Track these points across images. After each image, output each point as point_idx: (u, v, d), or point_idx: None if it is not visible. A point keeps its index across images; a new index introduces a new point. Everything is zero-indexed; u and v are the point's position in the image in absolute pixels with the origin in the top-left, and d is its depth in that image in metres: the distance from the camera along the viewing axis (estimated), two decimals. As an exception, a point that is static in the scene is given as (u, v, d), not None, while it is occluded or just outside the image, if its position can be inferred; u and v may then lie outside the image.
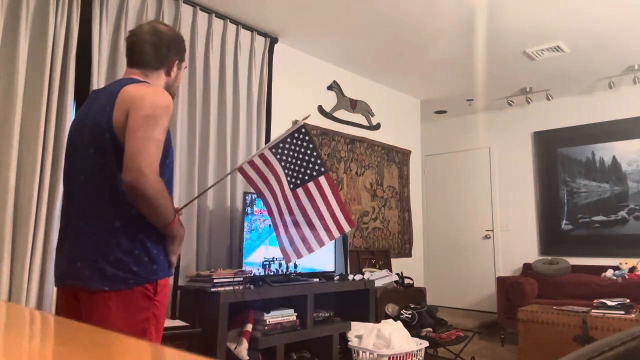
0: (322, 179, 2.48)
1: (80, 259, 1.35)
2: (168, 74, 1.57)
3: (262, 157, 2.51)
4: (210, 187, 2.50)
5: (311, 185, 2.47)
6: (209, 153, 3.30)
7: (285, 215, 2.46)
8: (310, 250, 2.46)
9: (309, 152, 2.50)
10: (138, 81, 1.46)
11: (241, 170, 2.52)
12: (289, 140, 2.51)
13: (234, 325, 2.82)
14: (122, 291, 1.32)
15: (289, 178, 2.49)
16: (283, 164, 2.51)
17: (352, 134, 4.72)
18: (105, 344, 0.52)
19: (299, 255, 2.46)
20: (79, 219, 1.39)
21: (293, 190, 2.48)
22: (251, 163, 2.51)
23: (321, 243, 2.48)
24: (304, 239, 2.46)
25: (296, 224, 2.47)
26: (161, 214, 1.37)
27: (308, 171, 2.48)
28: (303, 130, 2.51)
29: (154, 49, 1.52)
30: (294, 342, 3.07)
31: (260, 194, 2.51)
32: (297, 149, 2.51)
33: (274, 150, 2.50)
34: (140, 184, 1.29)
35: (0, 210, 2.35)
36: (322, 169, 2.48)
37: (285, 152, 2.51)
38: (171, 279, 2.84)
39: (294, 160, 2.51)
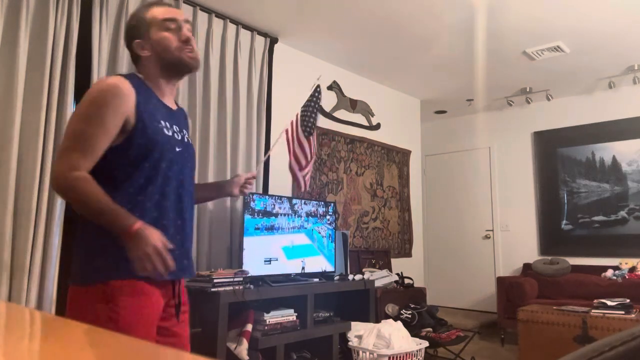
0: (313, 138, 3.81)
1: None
2: (139, 57, 1.45)
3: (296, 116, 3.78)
4: (266, 157, 2.58)
5: (311, 139, 3.77)
6: (209, 153, 3.30)
7: (298, 155, 3.77)
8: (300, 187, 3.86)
9: (317, 108, 3.77)
10: (116, 75, 1.42)
11: (286, 132, 3.70)
12: (310, 96, 3.73)
13: (234, 325, 2.82)
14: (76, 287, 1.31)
15: (303, 127, 3.63)
16: (302, 112, 3.68)
17: (352, 134, 4.72)
18: (105, 344, 0.52)
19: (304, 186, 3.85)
20: None
21: (307, 137, 3.73)
22: (291, 123, 3.71)
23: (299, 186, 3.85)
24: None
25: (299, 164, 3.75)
26: (94, 215, 1.24)
27: (311, 124, 3.71)
28: (319, 89, 3.73)
29: (129, 49, 1.48)
30: (294, 342, 3.07)
31: (290, 150, 3.79)
32: (313, 104, 3.71)
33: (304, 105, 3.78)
34: (53, 187, 1.27)
35: (0, 210, 2.35)
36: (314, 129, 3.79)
37: (307, 104, 3.74)
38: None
39: (309, 113, 3.69)
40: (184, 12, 3.26)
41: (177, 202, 1.42)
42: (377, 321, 3.53)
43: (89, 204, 1.24)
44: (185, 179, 1.45)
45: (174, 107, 1.52)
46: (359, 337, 3.28)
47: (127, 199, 1.30)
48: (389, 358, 3.08)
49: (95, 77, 2.73)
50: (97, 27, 2.78)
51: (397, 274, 4.39)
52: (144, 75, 1.44)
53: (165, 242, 1.25)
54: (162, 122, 1.39)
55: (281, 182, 3.93)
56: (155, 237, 1.23)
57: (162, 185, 1.36)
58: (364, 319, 3.58)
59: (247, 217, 3.10)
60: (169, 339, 1.40)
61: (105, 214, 1.23)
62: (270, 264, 3.20)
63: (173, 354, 0.47)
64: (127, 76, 1.38)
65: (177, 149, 1.41)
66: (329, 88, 4.53)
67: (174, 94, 1.55)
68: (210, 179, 3.30)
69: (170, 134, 1.41)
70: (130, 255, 1.22)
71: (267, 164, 3.76)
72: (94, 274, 1.28)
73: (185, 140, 1.49)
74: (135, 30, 1.44)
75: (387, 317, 3.83)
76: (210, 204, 3.27)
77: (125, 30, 1.48)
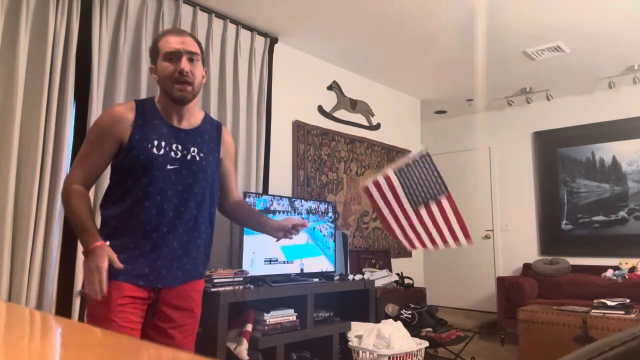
0: (443, 199, 2.59)
1: None
2: (157, 82, 1.58)
3: (387, 178, 2.56)
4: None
5: (432, 204, 2.57)
6: (209, 153, 3.30)
7: (405, 228, 2.55)
8: (423, 244, 2.55)
9: (433, 175, 2.58)
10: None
11: (366, 190, 2.59)
12: (411, 163, 2.58)
13: (234, 325, 2.81)
14: None
15: (409, 197, 2.57)
16: (404, 184, 2.59)
17: (352, 134, 4.72)
18: (105, 344, 0.52)
19: (413, 244, 2.55)
20: None
21: (415, 208, 2.56)
22: (375, 183, 2.57)
23: (434, 244, 2.57)
24: (419, 236, 2.57)
25: (415, 231, 2.56)
26: (73, 226, 1.49)
27: (430, 191, 2.56)
28: (428, 157, 2.59)
29: None
30: (294, 342, 3.07)
31: (377, 209, 2.56)
32: (419, 172, 2.59)
33: (397, 171, 2.57)
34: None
35: (0, 210, 2.35)
36: (444, 189, 2.57)
37: (409, 174, 2.59)
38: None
39: (416, 182, 2.60)
40: (184, 12, 3.27)
41: (171, 218, 1.53)
42: (377, 321, 3.53)
43: (69, 216, 1.49)
44: (181, 195, 1.54)
45: (190, 126, 1.61)
46: (359, 337, 3.27)
47: (115, 214, 1.51)
48: (389, 358, 3.08)
49: (95, 77, 2.73)
50: (97, 27, 2.78)
51: (397, 274, 4.39)
52: (158, 96, 1.60)
53: (116, 263, 1.42)
54: (156, 142, 1.52)
55: (281, 182, 3.93)
56: (101, 260, 1.40)
57: (143, 200, 1.49)
58: (364, 319, 3.58)
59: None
60: (162, 339, 1.55)
61: (77, 227, 1.46)
62: (270, 264, 3.20)
63: (173, 354, 0.47)
64: (139, 101, 1.59)
65: (169, 167, 1.52)
66: (329, 88, 4.53)
67: (192, 114, 1.64)
68: (210, 179, 3.29)
69: (160, 152, 1.52)
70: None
71: (267, 164, 3.75)
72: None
73: (189, 157, 1.57)
74: (151, 54, 1.60)
75: (387, 317, 3.83)
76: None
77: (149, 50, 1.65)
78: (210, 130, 1.67)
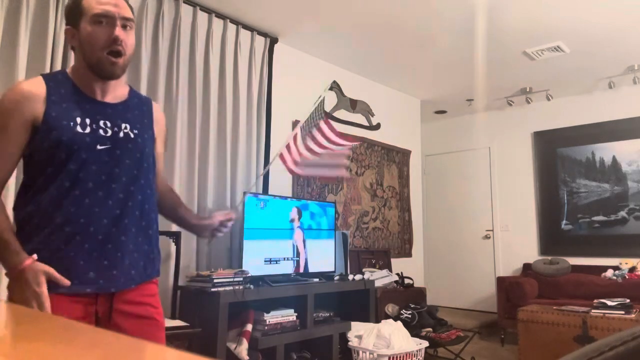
0: (322, 124, 2.54)
1: None
2: (73, 48, 1.32)
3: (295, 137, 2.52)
4: (265, 171, 2.45)
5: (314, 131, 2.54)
6: (208, 153, 3.30)
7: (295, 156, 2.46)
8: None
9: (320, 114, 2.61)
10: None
11: (281, 156, 2.50)
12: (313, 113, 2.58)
13: (234, 325, 2.82)
14: None
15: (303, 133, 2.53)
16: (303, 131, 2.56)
17: (352, 134, 4.72)
18: (105, 344, 0.52)
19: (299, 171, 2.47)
20: None
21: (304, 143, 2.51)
22: (287, 146, 2.51)
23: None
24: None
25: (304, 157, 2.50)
26: None
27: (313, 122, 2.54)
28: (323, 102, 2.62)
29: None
30: (294, 342, 3.07)
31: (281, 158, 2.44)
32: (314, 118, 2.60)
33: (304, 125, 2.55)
34: None
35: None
36: (322, 115, 2.57)
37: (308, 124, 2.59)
38: (166, 282, 2.84)
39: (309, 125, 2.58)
40: (184, 12, 3.27)
41: (111, 208, 1.27)
42: (377, 321, 3.53)
43: None
44: (119, 179, 1.29)
45: (116, 100, 1.36)
46: (359, 337, 3.28)
47: (35, 210, 1.22)
48: (389, 358, 3.08)
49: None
50: (97, 27, 2.77)
51: (397, 274, 4.39)
52: (74, 66, 1.33)
53: (61, 280, 1.18)
54: (78, 119, 1.25)
55: (281, 182, 3.93)
56: (37, 283, 1.14)
57: (71, 190, 1.22)
58: (364, 319, 3.58)
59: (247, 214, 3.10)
60: None
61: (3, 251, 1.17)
62: (270, 264, 3.20)
63: (173, 354, 0.47)
64: (47, 75, 1.31)
65: (99, 147, 1.26)
66: (329, 88, 4.53)
67: (117, 87, 1.38)
68: (210, 179, 3.30)
69: (86, 131, 1.26)
70: (14, 295, 1.17)
71: (267, 164, 3.75)
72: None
73: (121, 135, 1.32)
74: (70, 14, 1.29)
75: (387, 317, 3.83)
76: (210, 204, 3.28)
77: (64, 8, 1.36)
78: (140, 105, 1.43)
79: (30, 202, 1.22)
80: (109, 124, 1.31)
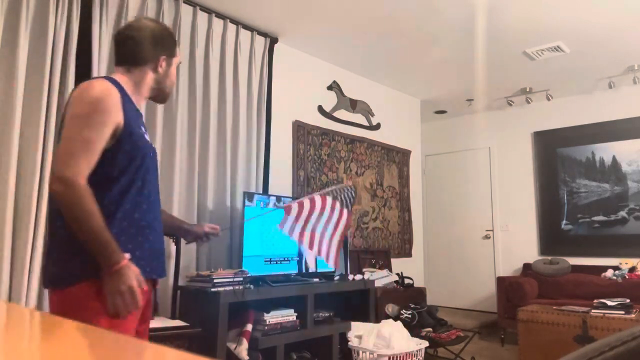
0: (345, 213, 2.36)
1: None
2: (155, 70, 1.48)
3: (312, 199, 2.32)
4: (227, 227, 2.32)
5: (345, 213, 2.37)
6: (208, 153, 3.30)
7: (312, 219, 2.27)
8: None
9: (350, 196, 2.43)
10: (99, 78, 1.40)
11: (286, 207, 2.31)
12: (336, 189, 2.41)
13: (234, 325, 2.81)
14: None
15: (333, 195, 2.36)
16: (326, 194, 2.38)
17: (352, 134, 4.72)
18: (105, 344, 0.52)
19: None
20: None
21: (341, 208, 2.35)
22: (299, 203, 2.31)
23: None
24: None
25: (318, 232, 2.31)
26: (83, 233, 1.22)
27: (345, 201, 2.37)
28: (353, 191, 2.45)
29: (135, 44, 1.45)
30: (294, 342, 3.07)
31: (287, 210, 2.23)
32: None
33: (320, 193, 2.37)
34: (54, 189, 1.23)
35: (0, 210, 2.35)
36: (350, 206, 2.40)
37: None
38: (166, 282, 2.85)
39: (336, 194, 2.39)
40: (184, 12, 3.27)
41: (158, 205, 1.48)
42: (377, 321, 3.53)
43: (82, 223, 1.22)
44: (156, 183, 1.50)
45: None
46: (359, 337, 3.27)
47: (118, 207, 1.32)
48: (389, 358, 3.08)
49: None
50: (97, 27, 2.78)
51: (397, 274, 4.39)
52: (133, 79, 1.46)
53: (142, 281, 1.29)
54: (142, 127, 1.45)
55: (281, 182, 3.93)
56: (133, 276, 1.26)
57: (143, 188, 1.39)
58: (364, 319, 3.58)
59: (247, 210, 3.10)
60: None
61: (94, 240, 1.22)
62: (270, 264, 3.20)
63: (173, 354, 0.47)
64: (110, 79, 1.39)
65: (151, 154, 1.45)
66: (329, 88, 4.53)
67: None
68: (210, 179, 3.30)
69: (147, 138, 1.46)
70: (104, 289, 1.24)
71: (267, 164, 3.75)
72: (81, 272, 1.26)
73: (151, 142, 1.52)
74: (167, 45, 1.51)
75: (387, 317, 3.83)
76: (210, 204, 3.28)
77: (156, 34, 1.49)
78: None
79: (112, 198, 1.32)
80: (147, 133, 1.52)
